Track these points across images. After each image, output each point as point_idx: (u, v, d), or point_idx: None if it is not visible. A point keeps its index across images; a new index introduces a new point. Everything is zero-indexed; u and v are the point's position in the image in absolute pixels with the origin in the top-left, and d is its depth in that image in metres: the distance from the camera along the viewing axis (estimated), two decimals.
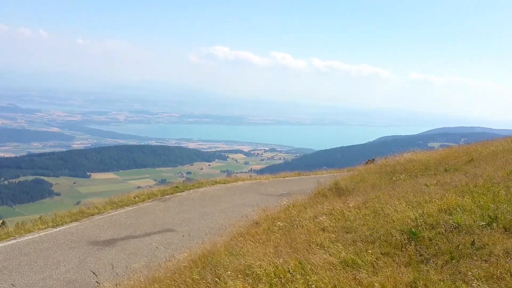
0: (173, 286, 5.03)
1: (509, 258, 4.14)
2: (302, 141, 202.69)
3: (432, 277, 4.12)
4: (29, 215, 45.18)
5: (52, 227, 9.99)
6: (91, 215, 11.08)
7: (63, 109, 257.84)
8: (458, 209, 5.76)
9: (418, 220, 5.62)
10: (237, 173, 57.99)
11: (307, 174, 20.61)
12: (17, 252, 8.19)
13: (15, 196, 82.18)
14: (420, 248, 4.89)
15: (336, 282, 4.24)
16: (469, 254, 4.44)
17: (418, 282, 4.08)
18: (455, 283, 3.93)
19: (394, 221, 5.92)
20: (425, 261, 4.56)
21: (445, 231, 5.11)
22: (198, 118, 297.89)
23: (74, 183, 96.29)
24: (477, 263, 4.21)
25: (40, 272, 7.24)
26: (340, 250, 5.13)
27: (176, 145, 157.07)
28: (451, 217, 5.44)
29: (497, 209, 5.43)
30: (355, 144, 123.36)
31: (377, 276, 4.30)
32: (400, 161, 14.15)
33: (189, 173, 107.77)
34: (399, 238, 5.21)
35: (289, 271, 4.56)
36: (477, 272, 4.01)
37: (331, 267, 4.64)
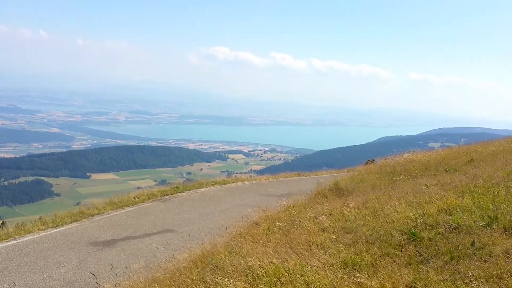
0: (173, 287, 5.03)
1: (509, 259, 4.14)
2: (302, 142, 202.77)
3: (432, 277, 4.12)
4: (29, 216, 45.16)
5: (52, 227, 9.98)
6: (91, 216, 11.07)
7: (63, 110, 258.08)
8: (458, 210, 5.75)
9: (418, 221, 5.62)
10: (237, 173, 58.01)
11: (307, 174, 20.61)
12: (17, 253, 8.18)
13: (15, 197, 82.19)
14: (420, 248, 4.88)
15: (336, 282, 4.24)
16: (469, 255, 4.44)
17: (418, 282, 4.08)
18: (455, 284, 3.93)
19: (394, 221, 5.92)
20: (425, 262, 4.56)
21: (445, 231, 5.11)
22: (198, 118, 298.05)
23: (74, 183, 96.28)
24: (477, 263, 4.21)
25: (40, 272, 7.24)
26: (340, 251, 5.14)
27: (176, 145, 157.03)
28: (451, 218, 5.44)
29: (497, 210, 5.43)
30: (355, 144, 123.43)
31: (377, 277, 4.30)
32: (400, 161, 14.16)
33: (189, 173, 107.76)
34: (399, 238, 5.21)
35: (289, 271, 4.56)
36: (477, 273, 4.01)
37: (331, 268, 4.64)
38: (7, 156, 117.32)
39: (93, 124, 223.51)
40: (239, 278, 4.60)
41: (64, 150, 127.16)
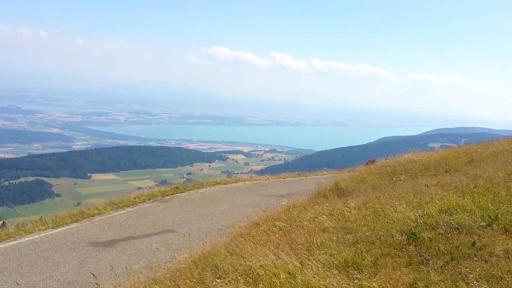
0: (173, 287, 5.03)
1: (509, 259, 4.13)
2: (302, 142, 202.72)
3: (432, 277, 4.11)
4: (29, 216, 45.16)
5: (53, 228, 9.98)
6: (92, 216, 11.08)
7: (63, 110, 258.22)
8: (458, 210, 5.75)
9: (419, 221, 5.61)
10: (237, 173, 58.04)
11: (307, 174, 20.62)
12: (17, 253, 8.18)
13: (15, 197, 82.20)
14: (420, 248, 4.88)
15: (337, 282, 4.24)
16: (470, 255, 4.43)
17: (418, 282, 4.07)
18: (455, 284, 3.93)
19: (394, 221, 5.92)
20: (425, 262, 4.55)
21: (446, 231, 5.11)
22: (198, 118, 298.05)
23: (75, 184, 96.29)
24: (477, 263, 4.21)
25: (40, 273, 7.24)
26: (340, 251, 5.13)
27: (176, 146, 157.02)
28: (451, 218, 5.44)
29: (497, 210, 5.43)
30: (355, 144, 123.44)
31: (378, 277, 4.30)
32: (401, 161, 14.18)
33: (189, 174, 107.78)
34: (399, 238, 5.20)
35: (289, 271, 4.56)
36: (477, 273, 4.00)
37: (332, 268, 4.64)
38: (7, 156, 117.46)
39: (93, 124, 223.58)
40: (239, 279, 4.60)
41: (65, 150, 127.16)
